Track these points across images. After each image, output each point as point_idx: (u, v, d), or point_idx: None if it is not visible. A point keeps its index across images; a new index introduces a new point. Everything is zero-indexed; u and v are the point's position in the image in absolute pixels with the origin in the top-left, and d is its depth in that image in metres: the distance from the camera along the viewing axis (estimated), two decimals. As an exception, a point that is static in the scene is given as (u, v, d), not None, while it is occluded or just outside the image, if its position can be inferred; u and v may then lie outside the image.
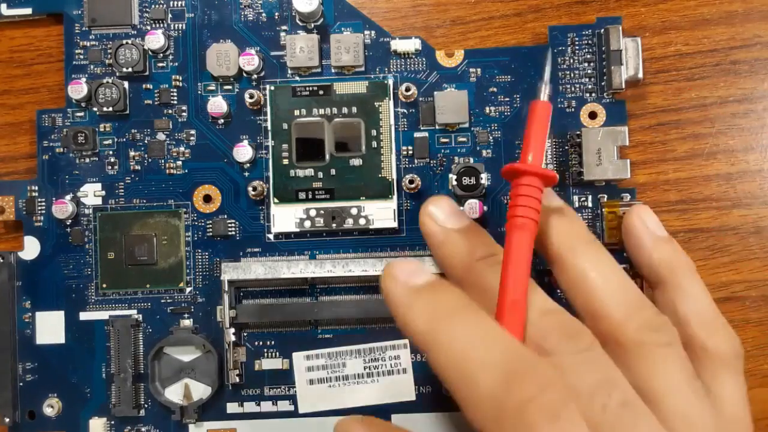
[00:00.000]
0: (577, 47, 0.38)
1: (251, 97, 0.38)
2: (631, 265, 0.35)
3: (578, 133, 0.37)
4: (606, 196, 0.37)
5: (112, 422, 0.38)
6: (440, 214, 0.32)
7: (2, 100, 0.40)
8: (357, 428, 0.31)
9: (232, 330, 0.37)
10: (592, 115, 0.38)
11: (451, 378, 0.24)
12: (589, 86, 0.38)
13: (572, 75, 0.38)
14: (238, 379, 0.37)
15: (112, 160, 0.38)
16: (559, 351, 0.25)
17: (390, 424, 0.32)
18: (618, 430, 0.22)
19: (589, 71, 0.38)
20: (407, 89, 0.38)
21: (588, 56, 0.38)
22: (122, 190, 0.38)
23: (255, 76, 0.38)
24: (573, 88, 0.38)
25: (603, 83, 0.38)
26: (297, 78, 0.38)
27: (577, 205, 0.38)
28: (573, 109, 0.38)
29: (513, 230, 0.29)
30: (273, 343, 0.38)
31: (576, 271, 0.29)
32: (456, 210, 0.32)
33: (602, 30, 0.37)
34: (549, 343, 0.25)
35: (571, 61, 0.38)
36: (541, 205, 0.29)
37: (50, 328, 0.38)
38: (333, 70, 0.38)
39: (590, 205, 0.38)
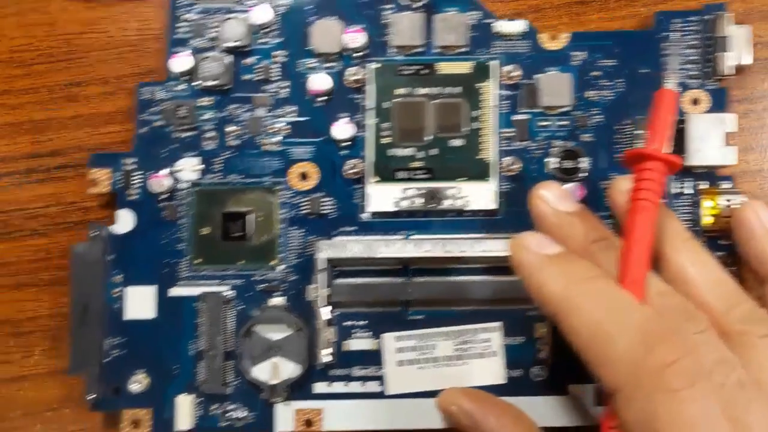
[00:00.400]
0: (682, 33, 0.42)
1: (354, 74, 0.42)
2: (731, 257, 0.38)
3: (682, 119, 0.40)
4: (704, 183, 0.41)
5: (200, 399, 0.41)
6: (552, 198, 0.35)
7: (2, 100, 0.44)
8: (463, 401, 0.34)
9: (329, 308, 0.40)
10: (696, 102, 0.41)
11: (586, 339, 0.27)
12: (693, 73, 0.41)
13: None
14: (329, 359, 0.40)
15: (211, 135, 0.42)
16: (679, 330, 0.27)
17: (497, 399, 0.35)
18: (732, 409, 0.25)
19: (693, 58, 0.41)
20: (510, 71, 0.41)
21: (693, 42, 0.41)
22: (219, 166, 0.42)
23: (358, 54, 0.42)
24: (677, 75, 0.41)
25: (707, 70, 0.41)
26: (399, 57, 0.42)
27: (676, 191, 0.41)
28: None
29: (636, 212, 0.31)
30: (364, 323, 0.41)
31: (677, 266, 0.32)
32: (567, 194, 0.36)
33: (708, 17, 0.41)
34: (669, 323, 0.27)
35: (673, 44, 0.41)
36: (663, 191, 0.32)
37: (140, 303, 0.41)
38: (435, 50, 0.42)
39: (689, 192, 0.41)
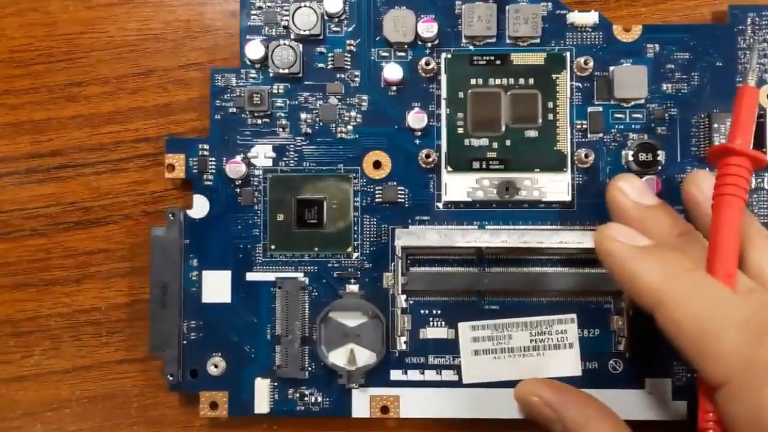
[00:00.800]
0: (757, 27, 0.42)
1: (428, 64, 0.42)
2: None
3: (760, 113, 0.40)
4: (783, 178, 0.41)
5: (276, 383, 0.42)
6: (632, 191, 0.35)
7: (2, 100, 0.44)
8: (544, 391, 0.35)
9: (404, 297, 0.40)
10: (772, 96, 0.41)
11: (689, 333, 0.26)
12: (770, 67, 0.41)
13: (752, 55, 0.41)
14: (405, 347, 0.41)
15: (284, 122, 0.42)
16: None
17: (578, 390, 0.36)
18: None
19: (769, 52, 0.41)
20: (585, 62, 0.41)
21: (769, 36, 0.41)
22: (293, 153, 0.42)
23: (430, 44, 0.42)
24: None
25: (784, 64, 0.41)
26: (471, 47, 0.42)
27: (754, 186, 0.41)
28: (752, 89, 0.41)
29: (722, 207, 0.32)
30: (439, 312, 0.42)
31: (758, 265, 0.31)
32: (648, 188, 0.36)
33: (786, 10, 0.41)
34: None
35: (751, 41, 0.42)
36: (748, 186, 0.32)
37: (217, 287, 0.42)
38: (508, 41, 0.42)
39: (767, 187, 0.41)
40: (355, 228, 0.41)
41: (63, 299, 0.44)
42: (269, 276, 0.41)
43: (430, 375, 0.41)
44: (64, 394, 0.44)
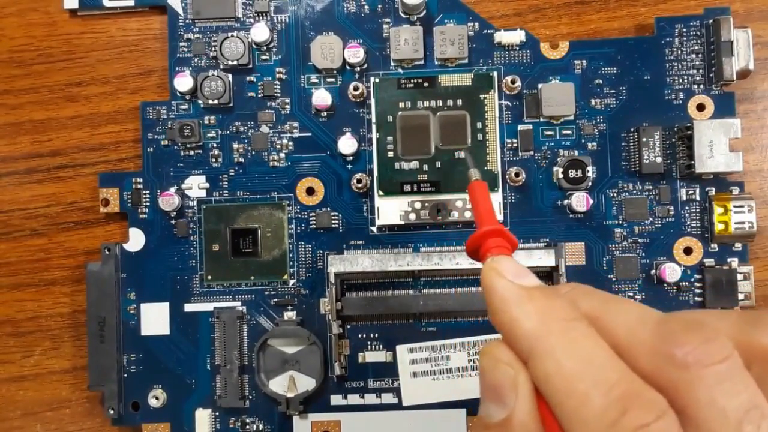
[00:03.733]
0: (684, 38, 0.40)
1: (356, 89, 0.41)
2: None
3: (688, 125, 0.39)
4: (714, 189, 0.40)
5: (217, 413, 0.41)
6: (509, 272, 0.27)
7: (2, 100, 0.43)
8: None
9: (338, 322, 0.40)
10: (700, 108, 0.40)
11: (558, 389, 0.23)
12: (697, 78, 0.40)
13: (680, 66, 0.40)
14: (342, 372, 0.40)
15: (216, 152, 0.42)
16: (697, 360, 0.22)
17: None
18: None
19: (696, 63, 0.40)
20: (512, 81, 0.40)
21: (696, 47, 0.40)
22: (226, 183, 0.42)
23: (358, 68, 0.41)
24: (681, 80, 0.40)
25: (711, 75, 0.40)
26: (400, 70, 0.41)
27: (684, 198, 0.40)
28: (680, 101, 0.40)
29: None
30: (376, 335, 0.41)
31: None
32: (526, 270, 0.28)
33: (711, 21, 0.40)
34: (683, 350, 0.22)
35: (679, 52, 0.40)
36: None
37: (155, 319, 0.41)
38: (436, 63, 0.41)
39: (698, 198, 0.40)
40: (291, 255, 0.41)
41: (63, 299, 0.43)
42: (207, 306, 0.41)
43: (370, 398, 0.40)
44: (64, 394, 0.43)
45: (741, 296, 0.39)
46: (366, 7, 0.41)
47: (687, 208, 0.40)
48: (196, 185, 0.41)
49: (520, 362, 0.23)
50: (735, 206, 0.38)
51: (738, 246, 0.40)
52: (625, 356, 0.22)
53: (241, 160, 0.41)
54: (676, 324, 0.21)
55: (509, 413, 0.22)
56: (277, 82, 0.41)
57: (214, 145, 0.41)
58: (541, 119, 0.40)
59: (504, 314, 0.24)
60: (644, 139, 0.39)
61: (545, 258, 0.38)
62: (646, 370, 0.22)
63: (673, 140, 0.40)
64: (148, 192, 0.41)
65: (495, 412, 0.22)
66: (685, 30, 0.40)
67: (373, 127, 0.40)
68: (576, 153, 0.40)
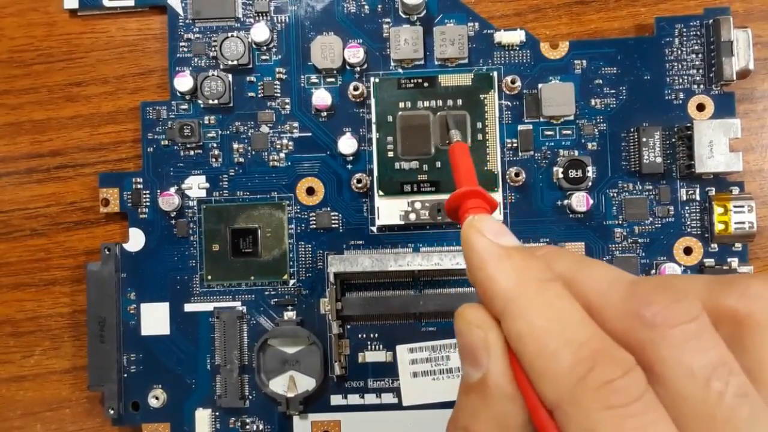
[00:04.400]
0: (684, 38, 0.40)
1: (356, 89, 0.41)
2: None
3: (688, 125, 0.39)
4: (714, 189, 0.40)
5: (217, 413, 0.41)
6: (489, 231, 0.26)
7: (2, 100, 0.43)
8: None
9: (338, 322, 0.39)
10: (700, 108, 0.40)
11: (529, 347, 0.23)
12: (697, 78, 0.40)
13: (680, 66, 0.40)
14: (341, 372, 0.40)
15: (216, 152, 0.41)
16: (665, 320, 0.22)
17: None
18: (734, 425, 0.21)
19: (696, 63, 0.40)
20: (512, 81, 0.40)
21: (696, 47, 0.40)
22: (226, 183, 0.41)
23: (358, 68, 0.41)
24: (681, 80, 0.40)
25: (711, 75, 0.40)
26: (400, 70, 0.41)
27: (684, 198, 0.40)
28: (680, 102, 0.40)
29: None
30: (376, 335, 0.41)
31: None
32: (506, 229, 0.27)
33: (711, 21, 0.40)
34: (652, 310, 0.22)
35: (679, 52, 0.40)
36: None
37: (155, 319, 0.41)
38: (436, 62, 0.41)
39: (698, 198, 0.40)
40: (291, 255, 0.40)
41: (63, 299, 0.43)
42: (207, 306, 0.41)
43: (370, 399, 0.40)
44: (64, 394, 0.43)
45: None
46: (366, 7, 0.41)
47: (687, 208, 0.40)
48: (196, 185, 0.41)
49: (494, 322, 0.23)
50: (735, 206, 0.38)
51: (738, 246, 0.39)
52: (597, 317, 0.22)
53: (241, 160, 0.41)
54: (646, 285, 0.22)
55: (484, 373, 0.23)
56: (277, 82, 0.41)
57: (214, 145, 0.41)
58: (541, 119, 0.40)
59: (481, 271, 0.24)
60: (644, 139, 0.39)
61: (545, 258, 0.38)
62: (617, 331, 0.22)
63: (673, 140, 0.40)
64: (148, 192, 0.41)
65: (472, 374, 0.23)
66: (685, 30, 0.40)
67: (373, 127, 0.40)
68: (576, 153, 0.40)
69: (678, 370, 0.21)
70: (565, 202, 0.40)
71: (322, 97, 0.40)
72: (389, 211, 0.40)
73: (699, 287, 0.23)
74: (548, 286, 0.23)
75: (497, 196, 0.40)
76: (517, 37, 0.40)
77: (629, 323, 0.22)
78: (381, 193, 0.40)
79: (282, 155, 0.41)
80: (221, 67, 0.41)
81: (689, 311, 0.21)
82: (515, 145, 0.40)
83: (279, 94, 0.41)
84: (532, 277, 0.24)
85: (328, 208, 0.41)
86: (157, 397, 0.41)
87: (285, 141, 0.41)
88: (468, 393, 0.23)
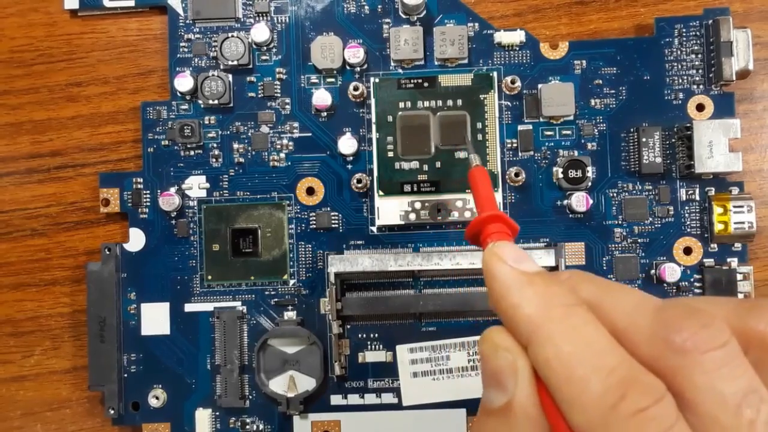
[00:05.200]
0: (684, 39, 0.40)
1: (356, 89, 0.41)
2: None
3: (687, 125, 0.39)
4: (713, 189, 0.40)
5: (217, 413, 0.41)
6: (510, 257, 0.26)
7: (2, 100, 0.43)
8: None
9: (338, 322, 0.39)
10: (700, 108, 0.40)
11: (557, 374, 0.23)
12: (697, 78, 0.40)
13: (679, 67, 0.40)
14: (341, 372, 0.40)
15: (216, 152, 0.41)
16: (696, 346, 0.22)
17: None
18: None
19: (696, 63, 0.40)
20: (512, 81, 0.40)
21: (695, 48, 0.40)
22: (226, 183, 0.41)
23: (358, 68, 0.41)
24: (680, 80, 0.40)
25: (711, 75, 0.40)
26: (400, 70, 0.41)
27: (684, 198, 0.40)
28: (680, 102, 0.40)
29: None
30: (376, 335, 0.41)
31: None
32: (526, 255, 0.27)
33: (710, 21, 0.40)
34: (682, 336, 0.22)
35: (678, 52, 0.40)
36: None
37: (155, 319, 0.41)
38: (436, 63, 0.41)
39: (698, 198, 0.40)
40: (291, 255, 0.40)
41: (63, 299, 0.43)
42: (207, 306, 0.41)
43: (370, 399, 0.40)
44: (64, 394, 0.43)
45: (741, 296, 0.39)
46: (366, 7, 0.41)
47: (687, 208, 0.40)
48: (196, 185, 0.41)
49: (520, 347, 0.23)
50: (734, 206, 0.38)
51: (737, 246, 0.39)
52: (625, 342, 0.22)
53: (241, 160, 0.41)
54: (674, 310, 0.22)
55: (509, 398, 0.22)
56: (277, 82, 0.41)
57: (215, 145, 0.41)
58: (541, 119, 0.40)
59: (505, 300, 0.24)
60: (644, 139, 0.39)
61: (545, 258, 0.38)
62: (645, 356, 0.22)
63: (673, 140, 0.40)
64: (148, 192, 0.41)
65: (496, 398, 0.23)
66: (684, 30, 0.40)
67: (373, 127, 0.40)
68: (576, 153, 0.40)
69: (709, 396, 0.21)
70: (565, 202, 0.40)
71: (322, 97, 0.40)
72: (389, 211, 0.40)
73: (726, 311, 0.23)
74: (574, 312, 0.23)
75: (497, 196, 0.39)
76: (517, 37, 0.40)
77: (658, 349, 0.21)
78: (381, 193, 0.40)
79: (282, 155, 0.41)
80: (221, 67, 0.41)
81: (719, 337, 0.21)
82: (515, 145, 0.40)
83: (279, 94, 0.41)
84: (557, 303, 0.23)
85: (328, 208, 0.41)
86: (157, 397, 0.40)
87: (285, 141, 0.41)
88: (490, 417, 0.23)
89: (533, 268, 0.24)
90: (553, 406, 0.22)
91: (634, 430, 0.21)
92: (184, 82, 0.40)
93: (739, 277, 0.39)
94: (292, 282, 0.41)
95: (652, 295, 0.22)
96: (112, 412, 0.40)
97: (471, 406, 0.39)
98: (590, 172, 0.39)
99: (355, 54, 0.40)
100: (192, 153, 0.41)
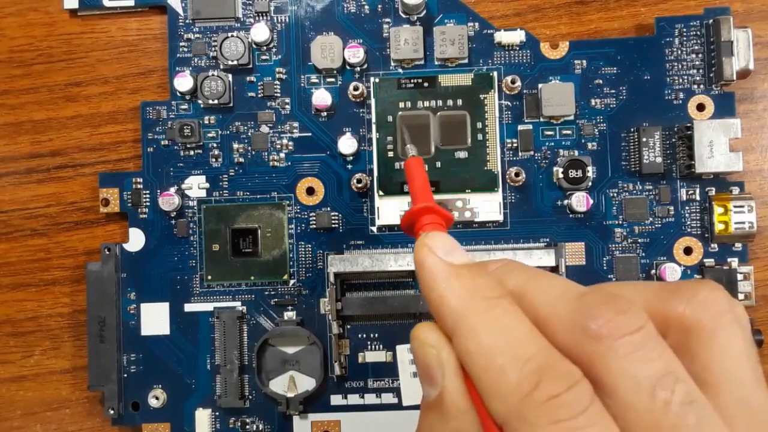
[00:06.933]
0: (684, 38, 0.40)
1: (356, 89, 0.40)
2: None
3: (688, 125, 0.39)
4: (714, 189, 0.40)
5: (217, 413, 0.41)
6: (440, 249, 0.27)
7: (2, 100, 0.43)
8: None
9: (338, 322, 0.39)
10: (700, 108, 0.40)
11: (478, 365, 0.23)
12: (697, 78, 0.40)
13: (680, 66, 0.40)
14: (341, 372, 0.40)
15: (216, 152, 0.41)
16: (611, 332, 0.22)
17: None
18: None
19: (696, 63, 0.40)
20: (512, 81, 0.40)
21: (696, 47, 0.40)
22: (226, 183, 0.41)
23: (358, 68, 0.41)
24: (681, 80, 0.40)
25: (711, 75, 0.40)
26: (400, 70, 0.41)
27: (685, 198, 0.40)
28: (680, 101, 0.40)
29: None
30: (376, 335, 0.40)
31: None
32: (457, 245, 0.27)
33: (711, 21, 0.40)
34: (598, 323, 0.22)
35: (679, 52, 0.40)
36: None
37: (155, 319, 0.41)
38: (436, 62, 0.41)
39: (698, 198, 0.40)
40: (291, 255, 0.40)
41: (63, 299, 0.43)
42: (207, 306, 0.41)
43: (370, 399, 0.40)
44: (64, 394, 0.43)
45: (741, 296, 0.39)
46: (366, 7, 0.41)
47: (687, 208, 0.40)
48: (196, 185, 0.41)
49: (446, 340, 0.23)
50: (735, 206, 0.38)
51: (738, 246, 0.39)
52: (546, 330, 0.22)
53: (241, 160, 0.41)
54: (593, 297, 0.22)
55: (440, 391, 0.23)
56: (277, 82, 0.41)
57: (214, 145, 0.41)
58: (541, 119, 0.40)
59: (432, 291, 0.24)
60: (644, 139, 0.39)
61: (545, 258, 0.38)
62: (565, 344, 0.22)
63: (673, 140, 0.40)
64: (148, 192, 0.41)
65: (429, 392, 0.23)
66: (685, 30, 0.40)
67: (373, 127, 0.40)
68: (576, 153, 0.40)
69: (624, 380, 0.21)
70: (565, 202, 0.40)
71: (322, 97, 0.40)
72: (389, 211, 0.40)
73: (646, 295, 0.23)
74: (496, 303, 0.23)
75: (497, 196, 0.39)
76: (517, 37, 0.40)
77: (576, 336, 0.22)
78: (381, 193, 0.40)
79: (282, 155, 0.41)
80: (221, 67, 0.41)
81: (634, 322, 0.21)
82: (515, 145, 0.40)
83: (279, 94, 0.41)
84: (480, 295, 0.24)
85: (328, 208, 0.41)
86: (157, 397, 0.40)
87: (285, 141, 0.41)
88: (427, 410, 0.23)
89: (462, 259, 0.25)
90: (478, 396, 0.22)
91: (546, 416, 0.21)
92: (183, 82, 0.40)
93: (739, 277, 0.39)
94: (292, 282, 0.40)
95: (577, 284, 0.23)
96: (112, 412, 0.40)
97: (471, 406, 0.39)
98: (590, 172, 0.39)
99: (355, 54, 0.40)
100: (192, 153, 0.41)
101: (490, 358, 0.22)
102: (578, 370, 0.22)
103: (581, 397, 0.21)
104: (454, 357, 0.23)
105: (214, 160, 0.41)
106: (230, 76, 0.41)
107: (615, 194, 0.40)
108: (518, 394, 0.22)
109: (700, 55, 0.40)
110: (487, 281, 0.24)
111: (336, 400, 0.40)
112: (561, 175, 0.39)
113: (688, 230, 0.40)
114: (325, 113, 0.41)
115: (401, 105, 0.40)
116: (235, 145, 0.41)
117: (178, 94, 0.41)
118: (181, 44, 0.41)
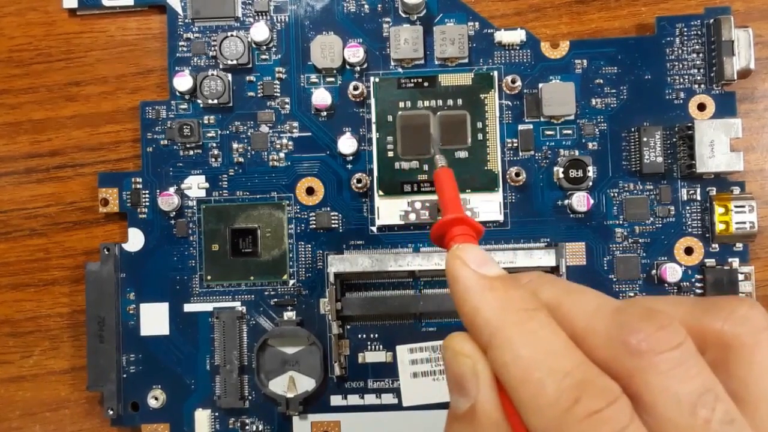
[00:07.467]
0: (685, 38, 0.40)
1: (356, 89, 0.40)
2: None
3: (689, 125, 0.39)
4: (715, 189, 0.40)
5: (217, 414, 0.41)
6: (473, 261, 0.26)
7: (2, 99, 0.43)
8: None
9: (338, 322, 0.39)
10: (701, 107, 0.40)
11: (515, 377, 0.23)
12: (698, 77, 0.40)
13: (680, 66, 0.40)
14: (341, 372, 0.40)
15: (216, 152, 0.41)
16: (651, 347, 0.22)
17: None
18: None
19: (697, 62, 0.40)
20: (513, 81, 0.40)
21: (696, 47, 0.40)
22: (226, 183, 0.41)
23: (358, 68, 0.41)
24: (681, 80, 0.40)
25: (712, 74, 0.40)
26: (400, 70, 0.41)
27: (685, 198, 0.40)
28: (681, 101, 0.40)
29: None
30: (376, 336, 0.40)
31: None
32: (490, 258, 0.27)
33: (712, 20, 0.40)
34: (637, 338, 0.22)
35: (680, 52, 0.40)
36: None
37: (154, 319, 0.41)
38: (436, 62, 0.41)
39: (699, 198, 0.40)
40: (290, 255, 0.40)
41: (62, 299, 0.43)
42: (207, 306, 0.40)
43: (370, 399, 0.40)
44: (63, 395, 0.43)
45: (742, 296, 0.38)
46: (366, 6, 0.41)
47: (688, 208, 0.39)
48: (195, 185, 0.41)
49: (480, 352, 0.23)
50: (736, 206, 0.38)
51: (739, 246, 0.39)
52: (583, 345, 0.22)
53: (241, 160, 0.41)
54: (631, 312, 0.22)
55: (472, 403, 0.22)
56: (277, 82, 0.41)
57: (214, 144, 0.41)
58: (542, 119, 0.40)
59: (466, 303, 0.24)
60: (645, 139, 0.39)
61: (546, 258, 0.38)
62: (603, 359, 0.22)
63: (674, 140, 0.40)
64: (147, 192, 0.41)
65: (460, 403, 0.23)
66: (685, 29, 0.40)
67: (373, 126, 0.40)
68: (576, 153, 0.40)
69: (665, 397, 0.21)
70: (566, 202, 0.40)
71: (321, 97, 0.40)
72: (389, 211, 0.40)
73: (684, 311, 0.23)
74: (532, 316, 0.23)
75: (497, 196, 0.39)
76: (517, 36, 0.40)
77: (615, 351, 0.21)
78: (381, 193, 0.40)
79: (282, 155, 0.41)
80: (221, 66, 0.41)
81: (674, 337, 0.21)
82: (516, 144, 0.40)
83: (279, 94, 0.41)
84: (516, 307, 0.23)
85: (328, 208, 0.40)
86: (156, 398, 0.40)
87: (285, 141, 0.41)
88: (456, 422, 0.23)
89: (495, 271, 0.24)
90: (514, 409, 0.22)
91: None
92: (183, 82, 0.40)
93: (740, 277, 0.39)
94: (291, 282, 0.40)
95: (612, 298, 0.22)
96: (111, 412, 0.40)
97: (471, 406, 0.39)
98: (591, 171, 0.39)
99: (355, 53, 0.40)
100: (191, 153, 0.41)
101: (527, 371, 0.22)
102: (617, 385, 0.21)
103: (621, 414, 0.21)
104: (489, 368, 0.23)
105: (213, 159, 0.41)
106: (230, 76, 0.41)
107: (615, 194, 0.40)
108: (557, 408, 0.22)
109: (700, 55, 0.40)
110: (522, 294, 0.24)
111: (336, 400, 0.40)
112: (561, 175, 0.39)
113: (689, 230, 0.40)
114: (325, 113, 0.41)
115: (401, 105, 0.40)
116: (235, 145, 0.41)
117: (177, 93, 0.41)
118: (180, 44, 0.41)
